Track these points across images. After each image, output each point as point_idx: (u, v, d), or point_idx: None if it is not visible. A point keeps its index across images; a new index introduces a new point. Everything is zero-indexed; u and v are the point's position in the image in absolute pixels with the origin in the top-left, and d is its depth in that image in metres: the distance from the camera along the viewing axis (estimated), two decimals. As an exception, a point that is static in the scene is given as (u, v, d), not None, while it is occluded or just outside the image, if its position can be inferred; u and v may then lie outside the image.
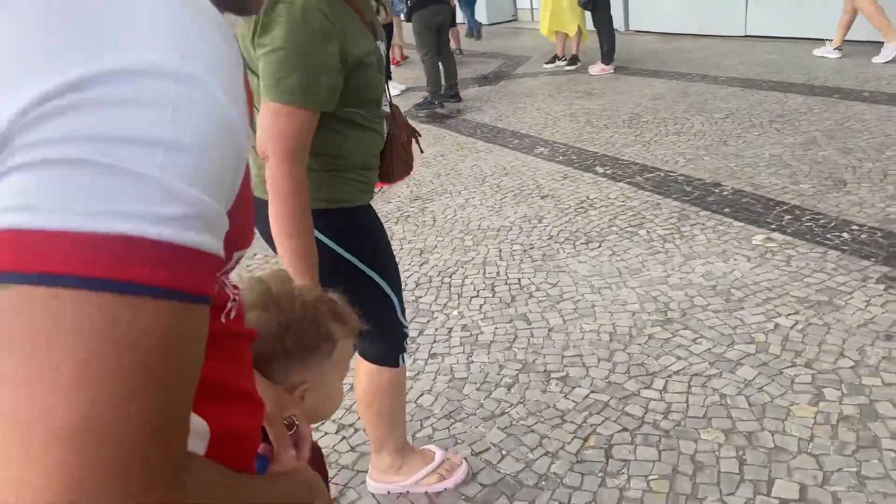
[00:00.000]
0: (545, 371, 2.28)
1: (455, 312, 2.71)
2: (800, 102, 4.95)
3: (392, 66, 8.23)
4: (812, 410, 1.96)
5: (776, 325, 2.37)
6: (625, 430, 1.97)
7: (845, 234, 2.95)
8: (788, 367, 2.15)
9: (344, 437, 2.09)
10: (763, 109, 4.91)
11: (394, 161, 1.56)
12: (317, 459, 0.93)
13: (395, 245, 3.06)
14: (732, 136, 4.40)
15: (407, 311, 1.78)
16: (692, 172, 3.87)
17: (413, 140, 1.65)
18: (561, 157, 4.44)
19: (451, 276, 3.01)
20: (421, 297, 2.86)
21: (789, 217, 3.17)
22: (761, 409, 1.98)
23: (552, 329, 2.51)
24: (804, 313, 2.41)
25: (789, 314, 2.43)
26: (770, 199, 3.39)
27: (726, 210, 3.33)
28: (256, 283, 0.88)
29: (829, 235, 2.95)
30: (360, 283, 1.50)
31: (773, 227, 3.10)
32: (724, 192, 3.54)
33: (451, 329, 2.59)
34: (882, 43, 5.83)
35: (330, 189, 1.41)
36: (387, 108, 1.51)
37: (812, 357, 2.19)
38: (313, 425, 0.93)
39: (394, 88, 6.79)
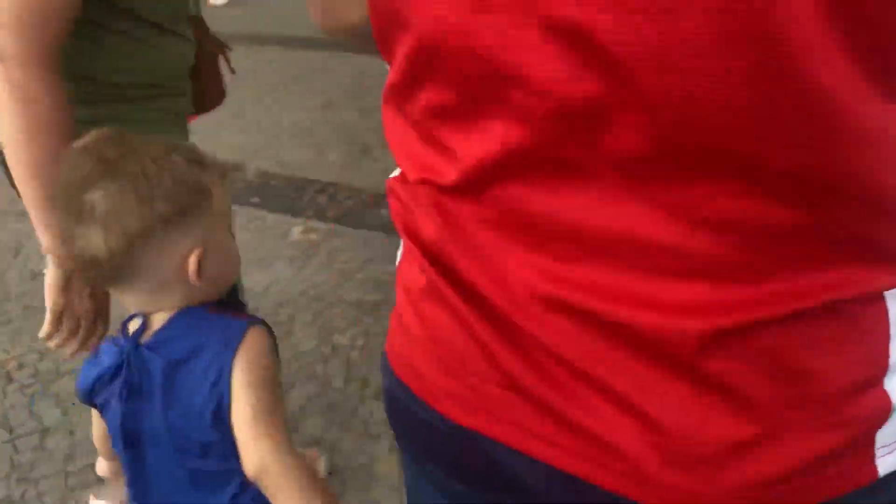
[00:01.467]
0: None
1: None
2: (316, 59, 4.66)
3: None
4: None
5: (334, 348, 1.94)
6: None
7: (385, 211, 2.68)
8: (360, 405, 1.73)
9: None
10: (274, 69, 4.49)
11: (208, 83, 1.22)
12: None
13: None
14: (248, 104, 3.88)
15: None
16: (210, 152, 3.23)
17: (222, 56, 1.28)
18: None
19: None
20: None
21: (325, 198, 2.79)
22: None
23: None
24: (363, 324, 2.03)
25: (347, 329, 2.02)
26: (302, 177, 2.97)
27: (255, 199, 2.79)
28: (82, 155, 0.73)
29: (368, 216, 2.65)
30: None
31: (310, 214, 2.68)
32: (249, 177, 3.00)
33: None
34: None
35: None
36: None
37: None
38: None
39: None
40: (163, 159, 0.74)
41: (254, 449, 0.72)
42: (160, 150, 0.75)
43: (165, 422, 0.77)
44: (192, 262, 0.76)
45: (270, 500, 0.72)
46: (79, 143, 0.76)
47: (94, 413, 0.90)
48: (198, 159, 0.78)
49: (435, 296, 0.51)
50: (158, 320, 0.79)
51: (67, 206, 0.73)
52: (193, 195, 0.76)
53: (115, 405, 0.79)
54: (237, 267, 0.86)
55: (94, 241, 0.72)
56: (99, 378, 0.81)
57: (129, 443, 0.80)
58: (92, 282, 0.85)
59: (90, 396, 0.83)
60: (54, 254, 0.87)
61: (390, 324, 0.58)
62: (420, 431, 0.55)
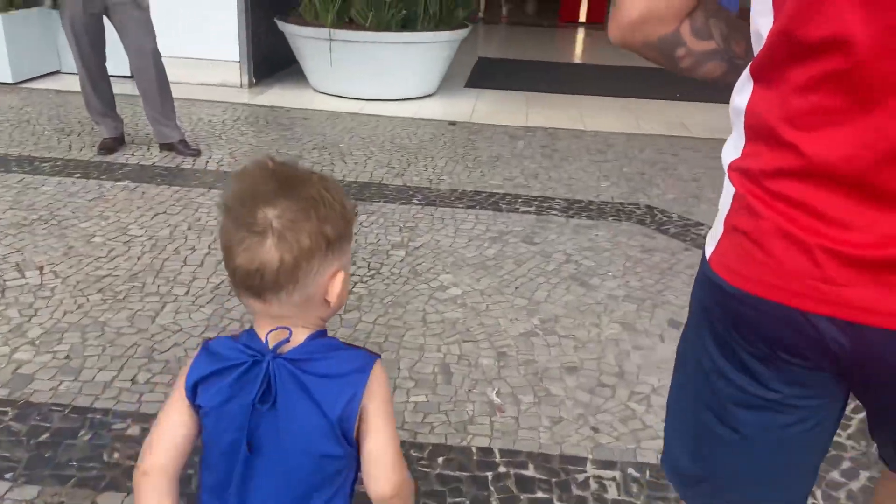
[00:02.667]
0: None
1: None
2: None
3: None
4: None
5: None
6: None
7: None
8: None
9: None
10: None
11: None
12: None
13: None
14: (258, 118, 3.98)
15: None
16: (224, 167, 3.33)
17: None
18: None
19: None
20: None
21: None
22: None
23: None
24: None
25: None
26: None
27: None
28: (263, 173, 0.81)
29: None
30: None
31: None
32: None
33: None
34: None
35: None
36: None
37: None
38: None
39: None
40: (332, 189, 0.84)
41: (393, 474, 0.86)
42: (330, 181, 0.86)
43: (294, 432, 0.84)
44: (337, 282, 0.85)
45: None
46: (258, 161, 0.84)
47: (173, 402, 0.89)
48: (338, 188, 0.86)
49: (780, 233, 0.72)
50: (299, 337, 0.86)
51: (238, 216, 0.81)
52: (347, 224, 0.86)
53: (237, 409, 0.84)
54: (347, 297, 0.93)
55: (268, 252, 0.79)
56: (217, 372, 0.85)
57: (255, 448, 0.85)
58: (249, 289, 0.84)
59: (195, 391, 0.86)
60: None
61: (723, 250, 0.79)
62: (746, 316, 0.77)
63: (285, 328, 0.84)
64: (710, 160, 4.29)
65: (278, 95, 5.41)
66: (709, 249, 0.81)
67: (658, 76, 7.60)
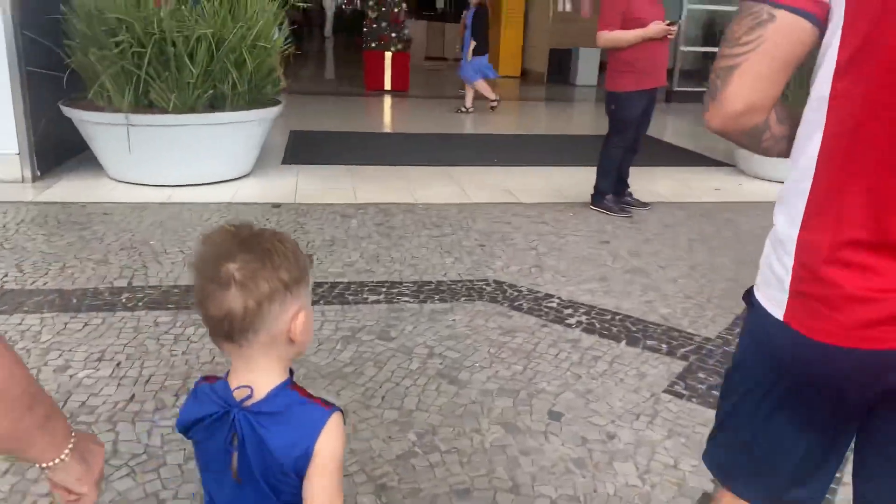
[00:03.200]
0: None
1: None
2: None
3: None
4: None
5: None
6: None
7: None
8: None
9: None
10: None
11: None
12: None
13: None
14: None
15: None
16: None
17: None
18: None
19: None
20: None
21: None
22: None
23: None
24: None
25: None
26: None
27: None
28: (221, 235, 0.97)
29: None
30: None
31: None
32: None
33: None
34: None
35: None
36: None
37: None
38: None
39: None
40: (285, 241, 0.98)
41: None
42: (282, 234, 0.99)
43: (259, 468, 0.98)
44: (300, 321, 0.98)
45: None
46: (220, 228, 0.97)
47: None
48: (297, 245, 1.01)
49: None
50: (263, 389, 0.99)
51: (205, 273, 0.94)
52: (302, 270, 0.98)
53: (219, 446, 1.00)
54: (311, 339, 1.05)
55: (233, 300, 0.92)
56: (198, 420, 1.01)
57: (239, 477, 1.00)
58: (221, 334, 0.97)
59: (186, 431, 1.04)
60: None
61: (797, 307, 0.96)
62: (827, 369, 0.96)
63: (247, 387, 0.98)
64: (540, 226, 4.36)
65: (70, 189, 4.76)
66: (776, 312, 0.98)
67: (472, 143, 7.89)
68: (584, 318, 3.02)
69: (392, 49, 11.51)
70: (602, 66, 14.36)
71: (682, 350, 2.76)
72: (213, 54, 4.65)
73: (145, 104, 4.71)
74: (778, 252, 0.98)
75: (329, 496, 0.98)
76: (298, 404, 1.00)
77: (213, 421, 1.00)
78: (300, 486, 0.99)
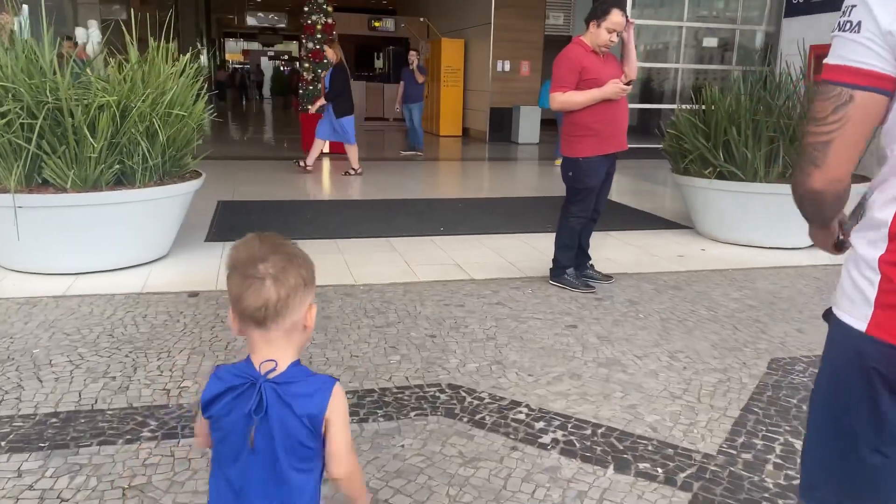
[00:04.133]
0: None
1: None
2: None
3: None
4: None
5: None
6: None
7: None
8: None
9: None
10: None
11: None
12: None
13: None
14: None
15: None
16: None
17: None
18: None
19: None
20: None
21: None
22: None
23: None
24: None
25: None
26: None
27: None
28: (255, 242, 1.21)
29: None
30: None
31: None
32: None
33: None
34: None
35: None
36: None
37: None
38: None
39: None
40: (299, 248, 1.26)
41: (347, 460, 1.25)
42: (295, 245, 1.26)
43: (280, 433, 1.20)
44: (313, 311, 1.27)
45: (345, 487, 1.29)
46: (248, 237, 1.24)
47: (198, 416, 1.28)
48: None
49: None
50: (283, 365, 1.23)
51: (245, 271, 1.19)
52: (312, 271, 1.26)
53: (240, 419, 1.20)
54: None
55: (269, 290, 1.18)
56: (223, 392, 1.21)
57: (254, 447, 1.20)
58: (255, 321, 1.20)
59: (209, 406, 1.23)
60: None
61: (880, 321, 1.10)
62: None
63: (272, 360, 1.21)
64: (496, 308, 3.88)
65: (-55, 281, 4.07)
66: (859, 325, 1.11)
67: (415, 209, 7.42)
68: (559, 433, 2.51)
69: (330, 111, 11.11)
70: (544, 124, 14.32)
71: (682, 475, 2.27)
72: (118, 124, 4.09)
73: (38, 182, 4.08)
74: (862, 270, 1.11)
75: (347, 440, 1.24)
76: (311, 374, 1.24)
77: (237, 395, 1.19)
78: (310, 451, 1.22)
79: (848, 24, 1.05)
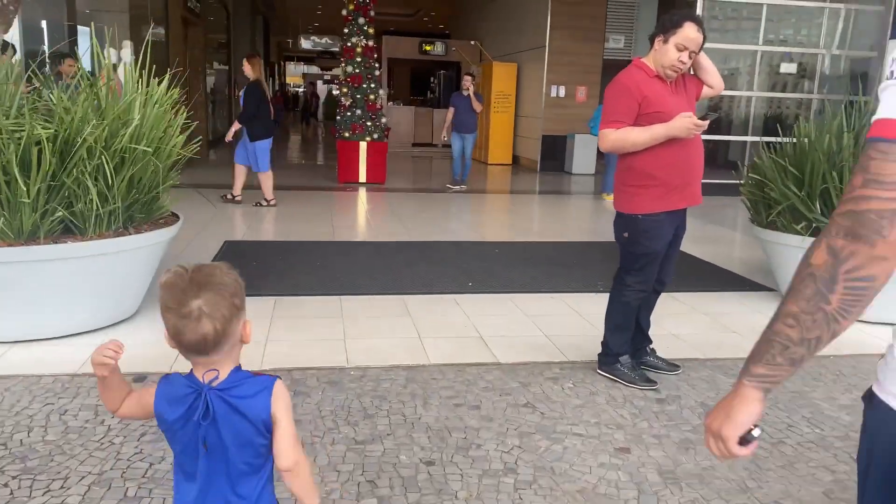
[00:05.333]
0: None
1: None
2: None
3: None
4: None
5: None
6: None
7: None
8: None
9: None
10: None
11: None
12: None
13: None
14: None
15: None
16: None
17: None
18: None
19: None
20: None
21: None
22: None
23: None
24: None
25: None
26: None
27: None
28: (176, 279, 1.27)
29: None
30: None
31: None
32: None
33: None
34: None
35: None
36: None
37: None
38: None
39: None
40: (229, 272, 1.30)
41: (292, 451, 1.32)
42: (226, 265, 1.32)
43: (230, 433, 1.29)
44: (248, 328, 1.34)
45: (292, 483, 1.32)
46: (168, 275, 1.28)
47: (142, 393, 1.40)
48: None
49: None
50: (224, 372, 1.31)
51: (177, 311, 1.25)
52: (243, 291, 1.32)
53: (191, 425, 1.29)
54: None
55: (204, 326, 1.25)
56: (173, 401, 1.31)
57: (209, 450, 1.30)
58: (197, 352, 1.29)
59: (158, 413, 1.33)
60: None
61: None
62: None
63: (214, 370, 1.30)
64: (524, 413, 2.93)
65: None
66: None
67: (441, 255, 6.23)
68: None
69: (367, 138, 10.37)
70: (601, 153, 13.32)
71: None
72: (61, 162, 3.33)
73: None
74: None
75: (291, 434, 1.32)
76: (251, 377, 1.33)
77: (188, 405, 1.29)
78: (260, 447, 1.32)
79: None
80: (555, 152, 13.52)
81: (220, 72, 19.49)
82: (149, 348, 3.23)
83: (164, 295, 1.27)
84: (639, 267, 3.20)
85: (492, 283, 4.99)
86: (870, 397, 1.05)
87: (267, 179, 7.95)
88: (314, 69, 43.30)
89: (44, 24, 8.31)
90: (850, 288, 0.95)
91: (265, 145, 7.85)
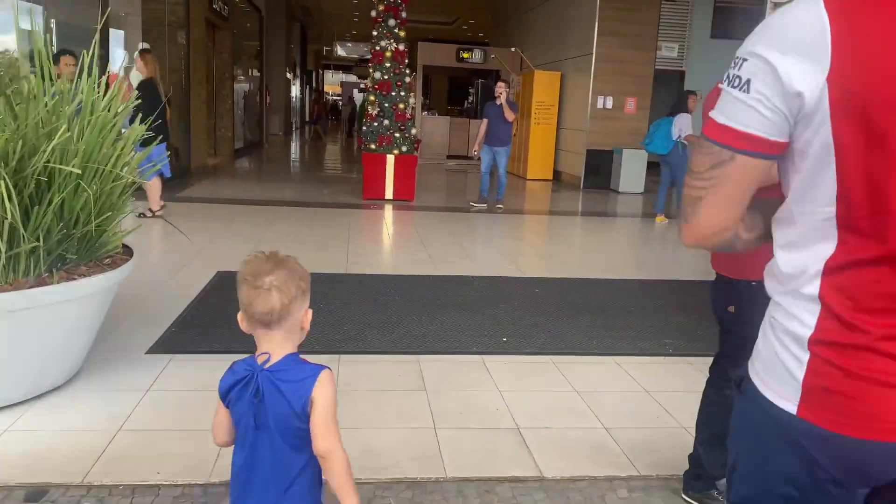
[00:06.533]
0: None
1: None
2: None
3: None
4: None
5: None
6: None
7: None
8: None
9: None
10: None
11: None
12: None
13: None
14: None
15: None
16: None
17: None
18: None
19: None
20: None
21: None
22: None
23: None
24: None
25: None
26: None
27: None
28: (259, 258, 1.45)
29: None
30: None
31: None
32: None
33: None
34: None
35: None
36: None
37: None
38: None
39: None
40: (298, 263, 1.48)
41: (326, 437, 1.41)
42: (295, 259, 1.49)
43: (274, 415, 1.42)
44: (308, 315, 1.49)
45: (327, 473, 1.44)
46: (256, 253, 1.46)
47: (218, 409, 1.52)
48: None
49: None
50: (276, 358, 1.44)
51: (252, 283, 1.41)
52: (308, 281, 1.48)
53: (247, 403, 1.43)
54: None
55: (273, 299, 1.40)
56: (234, 384, 1.46)
57: (257, 425, 1.43)
58: (262, 324, 1.43)
59: (226, 395, 1.48)
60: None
61: (810, 405, 0.98)
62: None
63: (266, 353, 1.44)
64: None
65: None
66: (788, 406, 1.01)
67: (464, 295, 4.70)
68: None
69: (395, 151, 9.48)
70: (651, 168, 12.24)
71: None
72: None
73: None
74: (788, 346, 1.03)
75: (325, 420, 1.41)
76: (300, 363, 1.46)
77: (243, 384, 1.43)
78: (300, 430, 1.42)
79: (737, 80, 0.98)
80: (600, 168, 12.47)
81: (253, 79, 18.88)
82: (66, 440, 2.32)
83: (243, 269, 1.44)
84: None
85: (531, 338, 4.00)
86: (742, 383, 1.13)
87: (154, 188, 7.06)
88: (352, 77, 42.82)
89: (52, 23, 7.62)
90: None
91: (161, 149, 6.96)
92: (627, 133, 12.33)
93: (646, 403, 3.18)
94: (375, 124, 9.53)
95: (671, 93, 11.37)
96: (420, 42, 18.21)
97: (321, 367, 1.45)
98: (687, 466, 2.41)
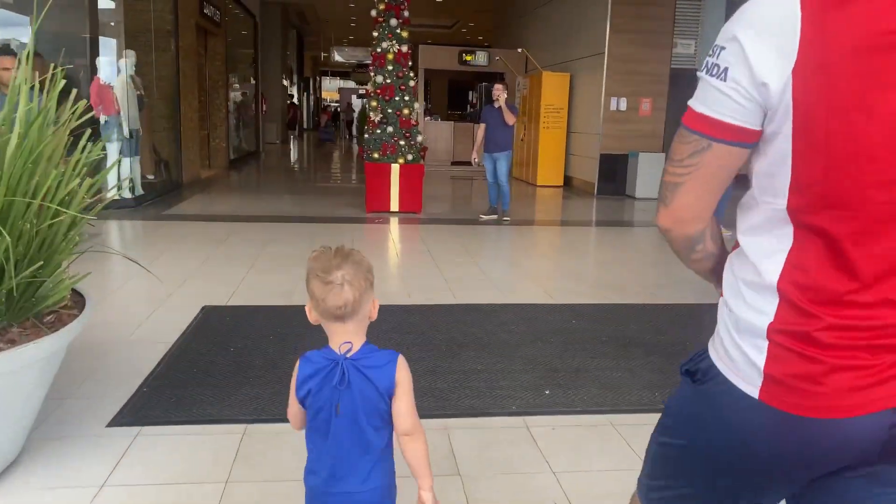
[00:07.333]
0: None
1: None
2: None
3: None
4: None
5: None
6: None
7: None
8: None
9: None
10: None
11: None
12: None
13: None
14: None
15: None
16: None
17: None
18: None
19: None
20: None
21: None
22: None
23: None
24: None
25: None
26: None
27: None
28: (327, 254, 1.48)
29: None
30: None
31: None
32: None
33: None
34: None
35: None
36: None
37: None
38: None
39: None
40: (363, 256, 1.51)
41: (410, 416, 1.50)
42: (361, 252, 1.51)
43: (360, 399, 1.48)
44: (376, 305, 1.54)
45: (408, 450, 1.52)
46: (316, 252, 1.50)
47: (292, 400, 1.56)
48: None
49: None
50: (356, 346, 1.50)
51: (325, 279, 1.45)
52: (372, 273, 1.51)
53: (327, 392, 1.48)
54: None
55: (346, 294, 1.44)
56: (313, 373, 1.50)
57: (340, 412, 1.48)
58: (336, 317, 1.48)
59: (303, 384, 1.51)
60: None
61: (788, 389, 0.99)
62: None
63: (349, 342, 1.49)
64: None
65: None
66: (750, 390, 1.02)
67: (485, 329, 3.39)
68: None
69: (400, 160, 8.80)
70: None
71: None
72: None
73: None
74: (746, 336, 1.04)
75: (409, 402, 1.50)
76: (375, 350, 1.52)
77: (325, 374, 1.48)
78: (384, 412, 1.50)
79: (715, 68, 0.99)
80: (615, 173, 11.79)
81: (247, 86, 18.24)
82: None
83: (312, 265, 1.48)
84: None
85: (579, 388, 3.31)
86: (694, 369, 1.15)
87: None
88: (350, 83, 42.20)
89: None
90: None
91: None
92: (643, 136, 11.67)
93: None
94: (378, 132, 8.86)
95: (688, 93, 10.73)
96: (421, 45, 17.54)
97: (396, 353, 1.53)
98: None
